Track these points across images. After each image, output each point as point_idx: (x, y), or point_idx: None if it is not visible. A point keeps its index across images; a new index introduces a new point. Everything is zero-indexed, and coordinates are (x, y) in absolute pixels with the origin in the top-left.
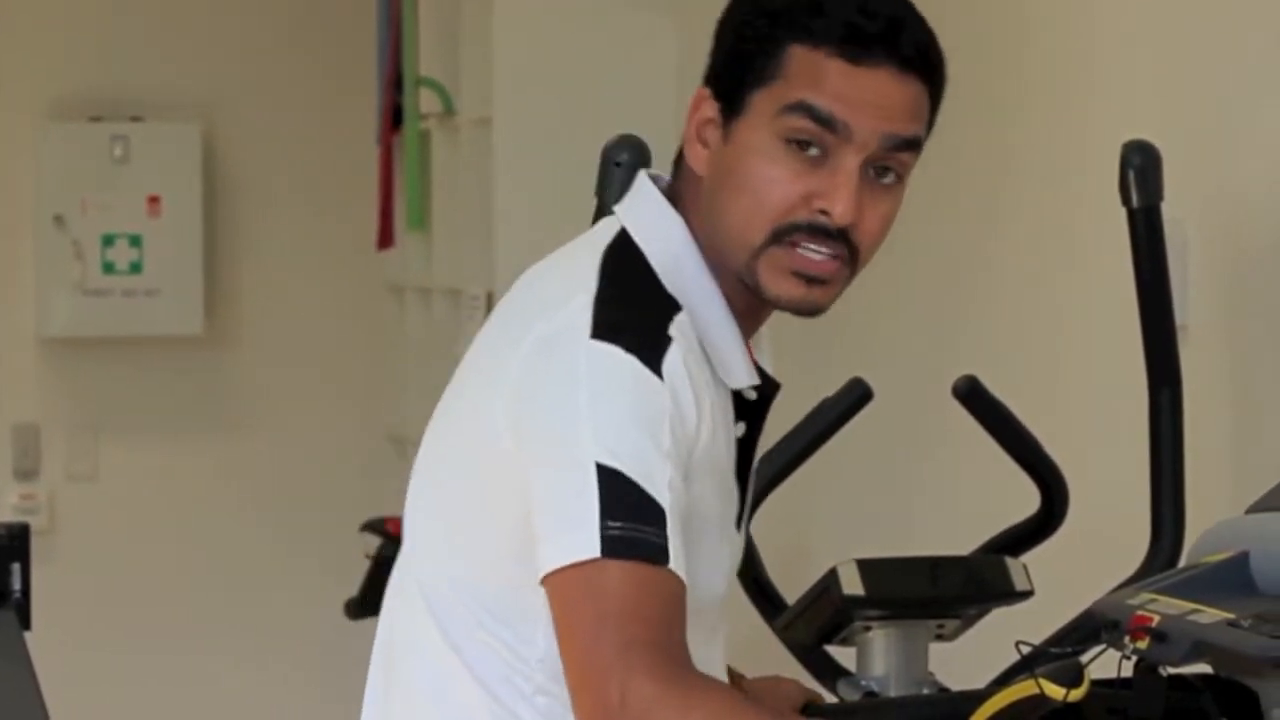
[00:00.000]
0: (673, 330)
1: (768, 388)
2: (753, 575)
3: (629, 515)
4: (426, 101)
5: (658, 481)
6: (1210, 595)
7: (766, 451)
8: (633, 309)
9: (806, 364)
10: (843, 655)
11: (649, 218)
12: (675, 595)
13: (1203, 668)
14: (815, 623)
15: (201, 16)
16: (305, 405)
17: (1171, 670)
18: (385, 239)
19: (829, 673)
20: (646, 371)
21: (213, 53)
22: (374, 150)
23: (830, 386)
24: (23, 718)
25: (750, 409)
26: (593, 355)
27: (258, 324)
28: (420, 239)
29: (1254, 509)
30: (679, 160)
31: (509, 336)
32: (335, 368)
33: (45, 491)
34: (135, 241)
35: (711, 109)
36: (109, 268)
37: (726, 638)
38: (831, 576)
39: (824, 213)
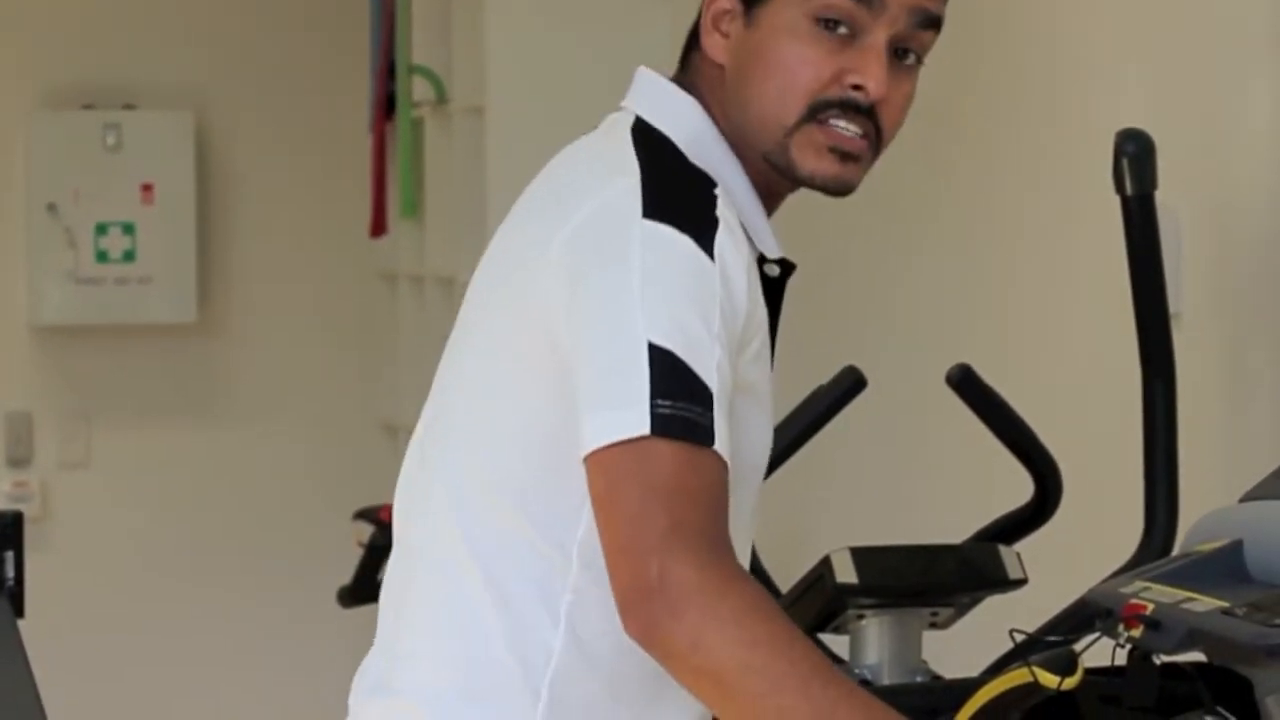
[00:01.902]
0: (719, 210)
1: (786, 267)
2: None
3: (679, 395)
4: (419, 89)
5: (708, 363)
6: (1204, 583)
7: None
8: (680, 189)
9: (800, 352)
10: (836, 643)
11: (663, 101)
12: (720, 479)
13: (1196, 656)
14: (809, 611)
15: (194, 4)
16: (298, 393)
17: (1165, 658)
18: (378, 227)
19: None
20: (699, 252)
21: (205, 41)
22: (367, 138)
23: (823, 375)
24: (16, 706)
25: (771, 289)
26: (646, 234)
27: (250, 312)
28: (413, 227)
29: (1248, 497)
30: (687, 54)
31: (551, 218)
32: (328, 355)
33: (38, 479)
34: (128, 229)
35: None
36: (102, 256)
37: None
38: (825, 565)
39: (856, 88)
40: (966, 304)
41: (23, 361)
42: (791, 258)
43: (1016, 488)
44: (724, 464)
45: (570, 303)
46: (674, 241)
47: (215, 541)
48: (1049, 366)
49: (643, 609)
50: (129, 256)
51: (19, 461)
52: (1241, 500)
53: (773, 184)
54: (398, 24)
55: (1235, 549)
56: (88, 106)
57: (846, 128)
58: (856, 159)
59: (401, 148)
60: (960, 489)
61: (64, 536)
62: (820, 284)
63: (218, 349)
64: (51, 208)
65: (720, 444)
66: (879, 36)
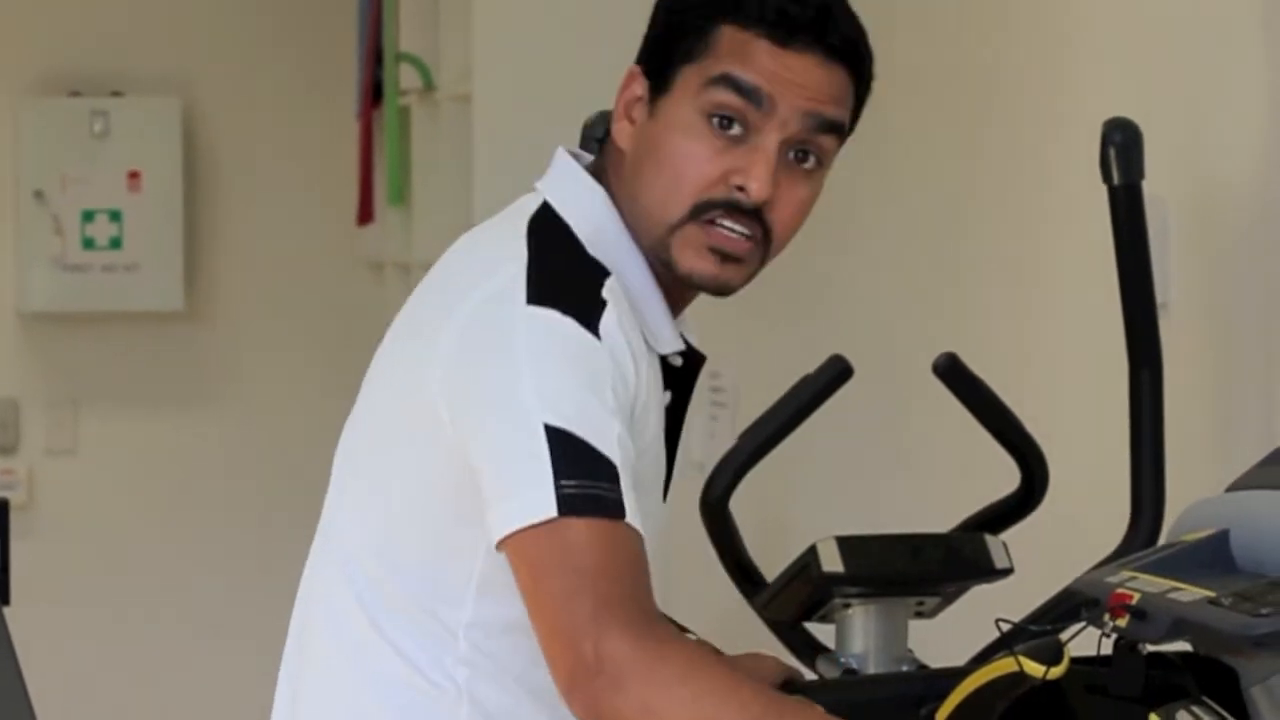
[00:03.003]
0: (605, 293)
1: (694, 358)
2: (732, 552)
3: (583, 473)
4: (407, 77)
5: (608, 438)
6: (1190, 573)
7: (746, 428)
8: (565, 274)
9: (785, 341)
10: (822, 632)
11: (570, 189)
12: (637, 549)
13: (1183, 646)
14: (795, 600)
15: None
16: (284, 380)
17: (1151, 648)
18: (365, 214)
19: (808, 650)
20: (584, 332)
21: (193, 28)
22: (354, 126)
23: (810, 364)
24: (2, 692)
25: (677, 378)
26: (531, 319)
27: (237, 299)
28: (400, 215)
29: (1234, 487)
30: (604, 138)
31: (439, 308)
32: (315, 343)
33: (24, 466)
34: (115, 217)
35: (641, 86)
36: (89, 243)
37: (697, 611)
38: (811, 554)
39: (740, 189)
40: (953, 293)
41: (9, 348)
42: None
43: (1003, 477)
44: (638, 534)
45: (458, 393)
46: (558, 323)
47: (201, 529)
48: (1036, 356)
49: (586, 690)
50: (116, 244)
51: (5, 449)
52: (1228, 490)
53: (669, 279)
54: (385, 11)
55: (1222, 539)
56: (75, 94)
57: (731, 229)
58: (738, 260)
59: (389, 136)
60: (947, 478)
61: (50, 524)
62: (806, 272)
63: (204, 336)
64: (39, 195)
65: (631, 515)
66: (769, 138)
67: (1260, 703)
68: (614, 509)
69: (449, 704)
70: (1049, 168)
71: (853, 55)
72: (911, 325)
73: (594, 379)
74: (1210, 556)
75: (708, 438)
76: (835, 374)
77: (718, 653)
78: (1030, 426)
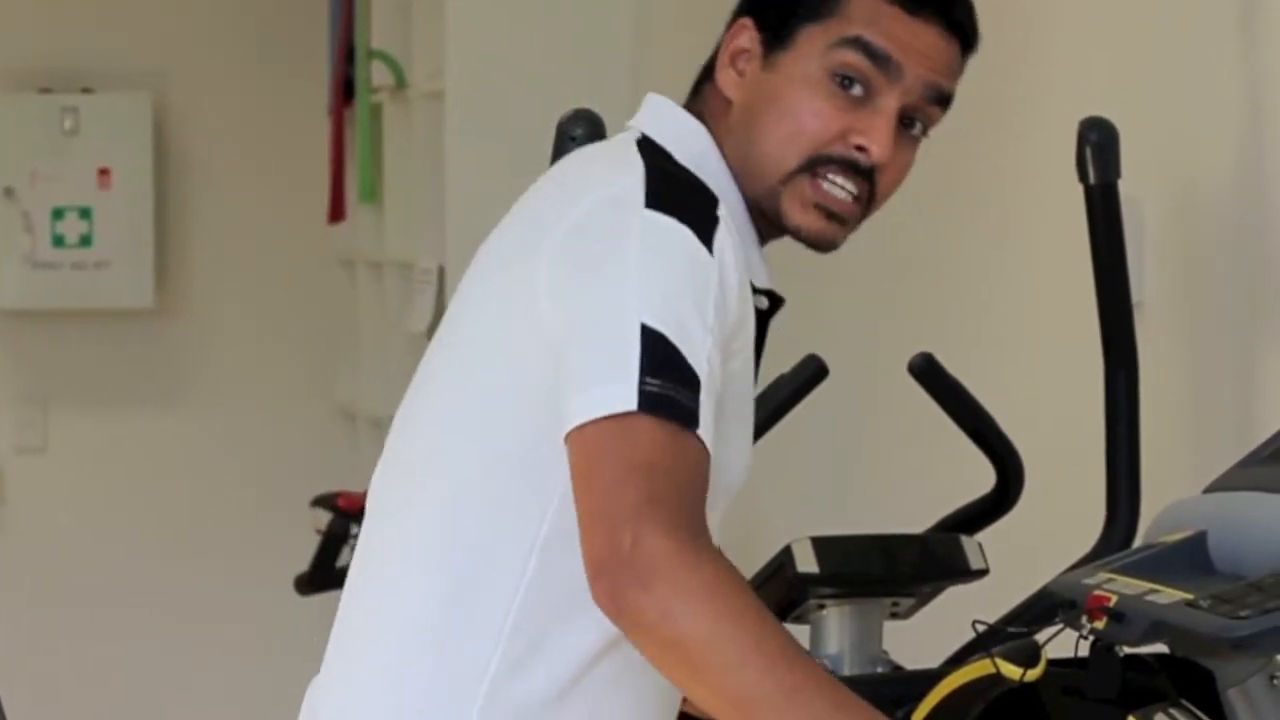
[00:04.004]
0: (720, 212)
1: (775, 302)
2: None
3: (668, 376)
4: (378, 74)
5: (698, 352)
6: (1168, 575)
7: None
8: (683, 188)
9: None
10: (797, 633)
11: (669, 123)
12: (701, 462)
13: (1159, 648)
14: (769, 600)
15: None
16: (256, 379)
17: (1128, 650)
18: (336, 212)
19: None
20: (699, 244)
21: (163, 24)
22: (325, 123)
23: (785, 363)
24: None
25: (759, 322)
26: (648, 222)
27: (208, 297)
28: (372, 212)
29: (1212, 488)
30: (699, 86)
31: (550, 210)
32: (286, 341)
33: None
34: (85, 214)
35: (751, 39)
36: (59, 240)
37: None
38: (786, 554)
39: (860, 149)
40: (929, 292)
41: None
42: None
43: (978, 477)
44: (706, 450)
45: (566, 284)
46: (675, 230)
47: (172, 527)
48: (1011, 355)
49: (612, 577)
50: (86, 241)
51: None
52: (1205, 491)
53: (763, 227)
54: (357, 8)
55: (1199, 540)
56: (45, 90)
57: (841, 187)
58: (843, 220)
59: (361, 133)
60: (922, 478)
61: (20, 522)
62: (781, 271)
63: (175, 334)
64: (8, 192)
65: (704, 430)
66: (891, 102)
67: (1238, 705)
68: (689, 418)
69: (486, 645)
70: (1025, 167)
71: (967, 33)
72: (887, 325)
73: (700, 292)
74: (1188, 558)
75: None
76: (811, 374)
77: (747, 585)
78: (1005, 427)
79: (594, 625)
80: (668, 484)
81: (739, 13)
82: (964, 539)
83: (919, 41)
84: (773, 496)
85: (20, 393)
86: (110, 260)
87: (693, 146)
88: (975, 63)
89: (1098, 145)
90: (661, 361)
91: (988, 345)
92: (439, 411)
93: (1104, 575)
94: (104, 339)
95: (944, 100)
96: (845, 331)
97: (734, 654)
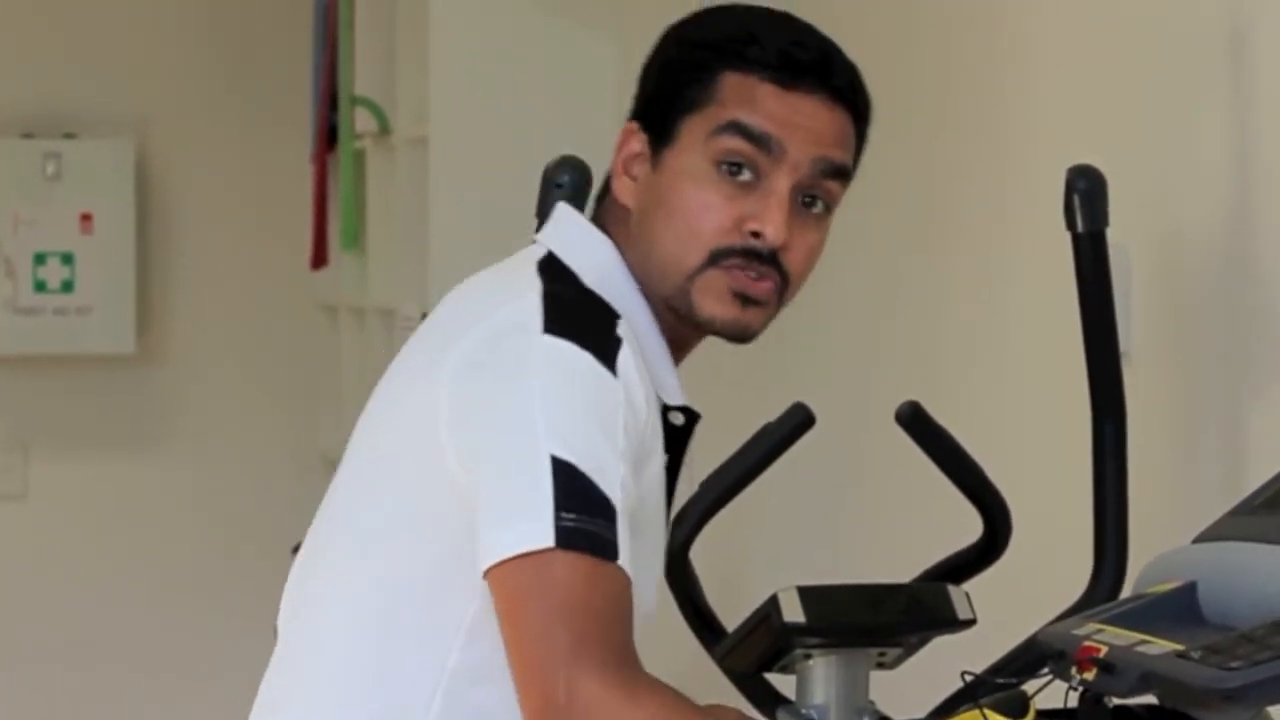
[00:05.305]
0: (620, 332)
1: (691, 417)
2: (692, 602)
3: (582, 508)
4: (362, 120)
5: (611, 479)
6: (1158, 626)
7: (707, 477)
8: (582, 310)
9: (748, 388)
10: (783, 683)
11: (574, 236)
12: (624, 592)
13: (1149, 699)
14: (755, 650)
15: (135, 33)
16: (238, 425)
17: (1117, 701)
18: (319, 258)
19: (769, 701)
20: (602, 368)
21: (146, 70)
22: (308, 169)
23: (772, 412)
24: None
25: (673, 439)
26: (547, 349)
27: (190, 343)
28: (354, 258)
29: (1201, 538)
30: (602, 197)
31: (447, 337)
32: (268, 387)
33: None
34: (67, 260)
35: (640, 142)
36: (40, 286)
37: (656, 661)
38: (772, 603)
39: (756, 234)
40: (916, 341)
41: None
42: None
43: (965, 527)
44: (627, 578)
45: (469, 419)
46: (576, 356)
47: (153, 575)
48: (998, 405)
49: None
50: (68, 287)
51: None
52: (1195, 541)
53: (679, 331)
54: (340, 54)
55: (1189, 590)
56: (27, 135)
57: (751, 274)
58: (760, 304)
59: (343, 179)
60: (909, 527)
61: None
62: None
63: (157, 380)
64: None
65: (623, 559)
66: (781, 182)
67: None
68: (608, 549)
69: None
70: (1013, 215)
71: (855, 99)
72: (874, 374)
73: (607, 417)
74: (1178, 609)
75: None
76: (797, 422)
77: (692, 703)
78: (993, 476)
79: None
80: (592, 623)
81: (629, 118)
82: (951, 588)
83: (799, 116)
84: (759, 546)
85: (0, 438)
86: (92, 306)
87: (598, 264)
88: (964, 110)
89: (1086, 193)
90: (574, 493)
91: (975, 394)
92: (344, 529)
93: (1093, 626)
94: (85, 385)
95: (840, 173)
96: (832, 380)
97: None
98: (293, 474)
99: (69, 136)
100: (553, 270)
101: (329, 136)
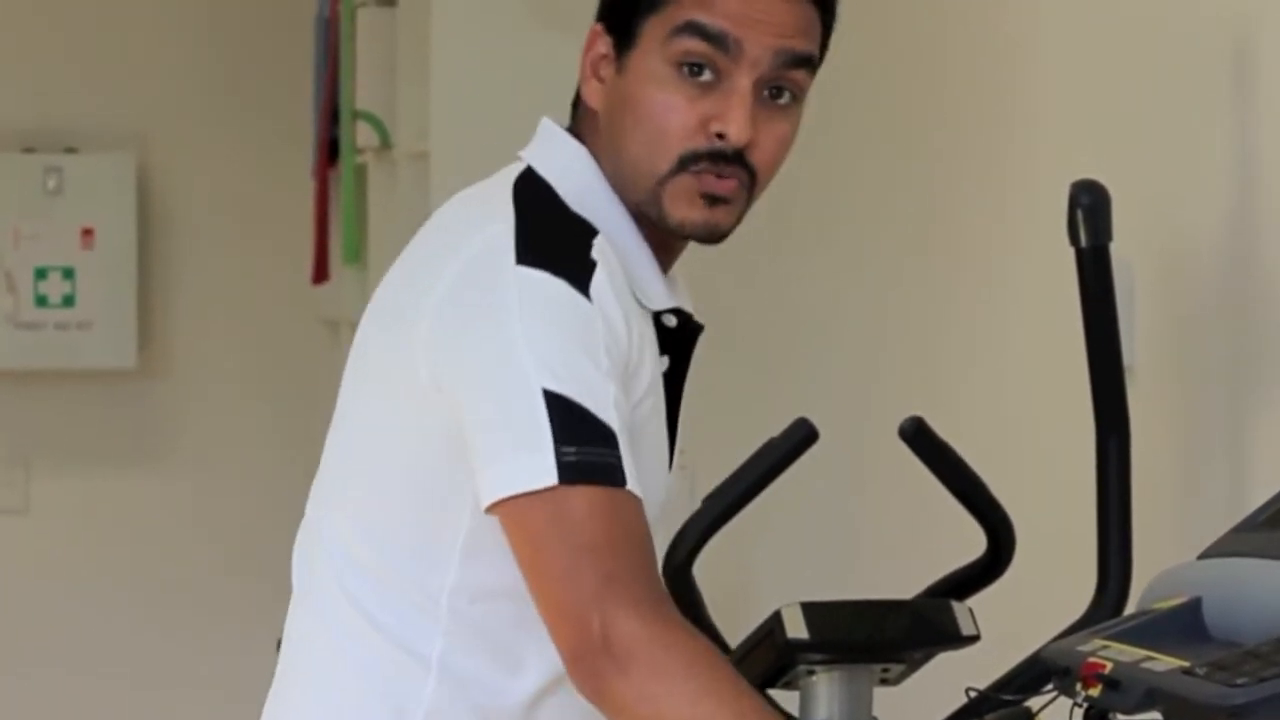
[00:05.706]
0: (595, 254)
1: (689, 323)
2: (695, 617)
3: (582, 439)
4: (363, 135)
5: (603, 402)
6: (1163, 642)
7: (710, 493)
8: (554, 234)
9: (751, 404)
10: (786, 699)
11: (552, 150)
12: (639, 518)
13: (1153, 716)
14: (758, 666)
15: (136, 48)
16: (239, 440)
17: (1121, 718)
18: (320, 273)
19: None
20: (577, 294)
21: (147, 85)
22: (309, 183)
23: (775, 427)
24: None
25: (674, 343)
26: (522, 281)
27: (191, 357)
28: (356, 273)
29: (1206, 554)
30: (576, 102)
31: (425, 270)
32: (269, 402)
33: None
34: (68, 274)
35: (605, 44)
36: (41, 300)
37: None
38: (775, 619)
39: (720, 135)
40: (919, 356)
41: None
42: (744, 307)
43: (969, 543)
44: (637, 500)
45: (452, 360)
46: (550, 285)
47: (154, 589)
48: (1001, 419)
49: (590, 666)
50: (69, 301)
51: None
52: (1200, 557)
53: (659, 236)
54: (342, 69)
55: (1194, 607)
56: (28, 150)
57: (719, 175)
58: (727, 202)
59: (345, 193)
60: (912, 543)
61: (1, 583)
62: (771, 334)
63: (158, 395)
64: None
65: (631, 482)
66: (742, 80)
67: None
68: (614, 475)
69: (417, 677)
70: (1016, 229)
71: None
72: (877, 389)
73: (588, 342)
74: (1183, 625)
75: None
76: (800, 438)
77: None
78: (996, 491)
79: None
80: (617, 558)
81: (595, 20)
82: (955, 604)
83: (756, 11)
84: (762, 562)
85: (1, 453)
86: (93, 321)
87: (575, 177)
88: (965, 122)
89: (1089, 208)
90: (572, 425)
91: (978, 408)
92: (334, 487)
93: (1098, 642)
94: (86, 400)
95: (804, 62)
96: (835, 396)
97: None
98: (294, 488)
99: (70, 151)
100: (530, 190)
101: (330, 151)
